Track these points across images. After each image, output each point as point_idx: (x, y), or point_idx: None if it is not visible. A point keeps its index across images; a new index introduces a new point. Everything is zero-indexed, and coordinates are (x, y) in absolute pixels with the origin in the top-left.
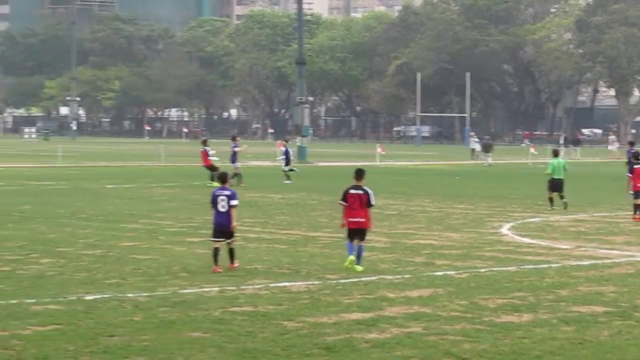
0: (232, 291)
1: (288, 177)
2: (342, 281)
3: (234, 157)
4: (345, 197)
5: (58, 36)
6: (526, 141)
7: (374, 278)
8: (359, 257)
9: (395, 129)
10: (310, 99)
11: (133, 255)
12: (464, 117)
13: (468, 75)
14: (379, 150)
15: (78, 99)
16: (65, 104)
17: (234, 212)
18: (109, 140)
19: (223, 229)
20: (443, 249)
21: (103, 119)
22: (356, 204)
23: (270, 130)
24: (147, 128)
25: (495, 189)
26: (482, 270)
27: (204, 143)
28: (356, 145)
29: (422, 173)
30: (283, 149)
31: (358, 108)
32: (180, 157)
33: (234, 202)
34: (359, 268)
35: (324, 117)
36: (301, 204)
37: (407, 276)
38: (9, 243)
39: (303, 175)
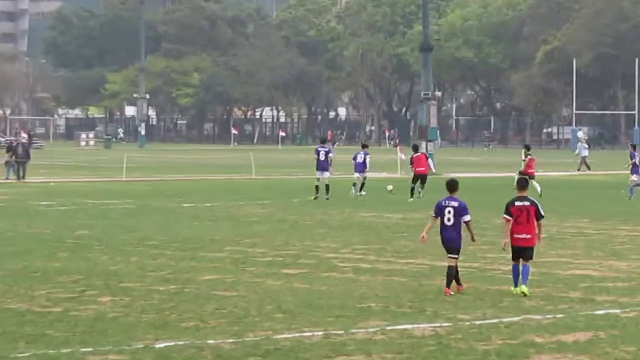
0: (340, 336)
1: (354, 186)
2: (478, 322)
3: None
4: (509, 210)
5: (123, 18)
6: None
7: (517, 318)
8: (525, 276)
9: (544, 130)
10: (438, 94)
11: (215, 292)
12: (632, 114)
13: (637, 62)
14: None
15: (147, 96)
16: (132, 102)
17: (470, 228)
18: (187, 147)
19: (449, 244)
20: (605, 282)
21: (179, 121)
22: (522, 217)
23: (388, 134)
24: (234, 132)
25: None
26: None
27: (415, 149)
28: (495, 151)
29: (578, 185)
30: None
31: (498, 105)
32: (276, 169)
33: (466, 218)
34: (525, 288)
35: (455, 117)
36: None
37: (559, 316)
38: (61, 277)
39: (429, 189)
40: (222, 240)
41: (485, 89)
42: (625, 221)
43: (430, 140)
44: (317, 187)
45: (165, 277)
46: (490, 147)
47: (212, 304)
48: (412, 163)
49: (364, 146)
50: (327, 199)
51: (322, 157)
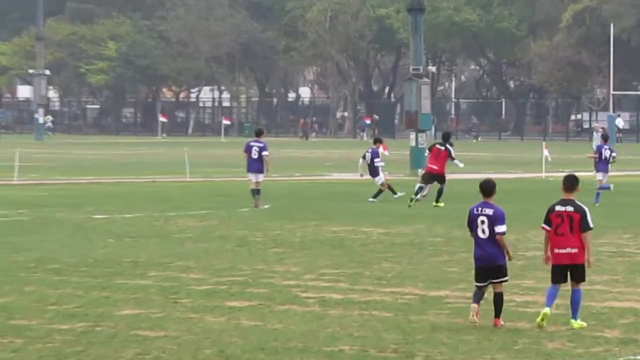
0: None
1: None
2: None
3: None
4: (549, 218)
5: None
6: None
7: None
8: (575, 307)
9: (572, 117)
10: (432, 69)
11: (137, 331)
12: None
13: None
14: (545, 152)
15: (47, 72)
16: (27, 81)
17: (502, 241)
18: (99, 140)
19: (485, 264)
20: None
21: (89, 106)
22: (565, 227)
23: (367, 122)
24: (163, 120)
25: None
26: None
27: (446, 138)
28: (508, 144)
29: (616, 191)
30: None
31: (511, 84)
32: (218, 168)
33: (500, 229)
34: (577, 324)
35: (454, 99)
36: (417, 242)
37: None
38: None
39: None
40: (145, 264)
41: (495, 63)
42: None
43: (421, 131)
44: (255, 192)
45: (70, 311)
46: (479, 139)
47: (132, 347)
48: (429, 152)
49: (377, 141)
50: (256, 206)
51: (254, 155)
